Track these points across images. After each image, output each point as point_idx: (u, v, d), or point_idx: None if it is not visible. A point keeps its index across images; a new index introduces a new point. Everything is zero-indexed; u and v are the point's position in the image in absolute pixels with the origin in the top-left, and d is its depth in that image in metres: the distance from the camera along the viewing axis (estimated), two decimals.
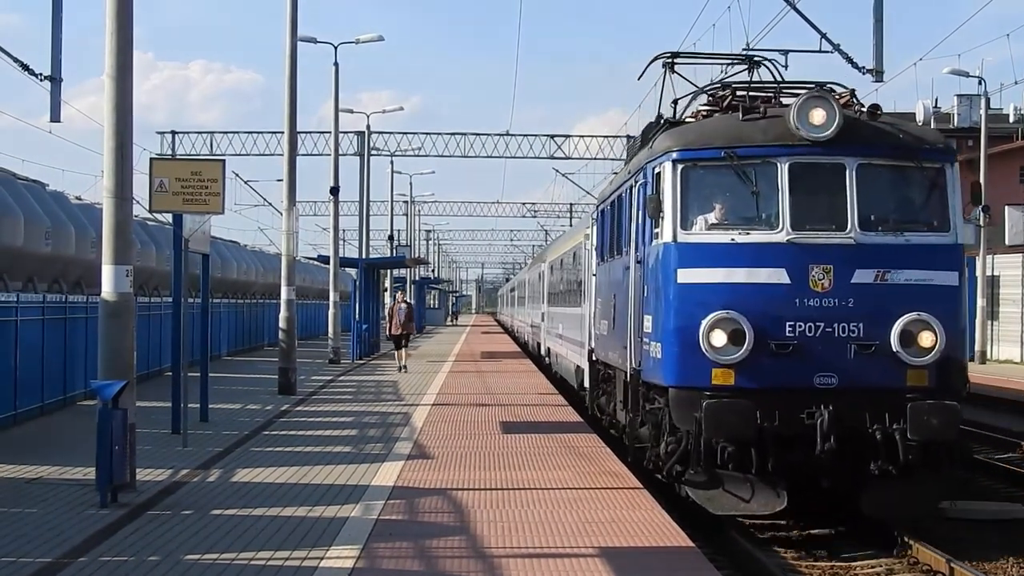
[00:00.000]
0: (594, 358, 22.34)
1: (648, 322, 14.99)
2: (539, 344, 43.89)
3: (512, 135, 63.73)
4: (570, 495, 14.11)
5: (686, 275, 14.16)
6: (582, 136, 64.62)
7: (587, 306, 24.19)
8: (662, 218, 14.47)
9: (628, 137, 61.56)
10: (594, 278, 22.42)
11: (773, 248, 13.95)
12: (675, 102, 16.72)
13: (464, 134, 64.36)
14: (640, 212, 15.58)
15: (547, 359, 39.69)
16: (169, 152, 60.07)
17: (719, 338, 13.67)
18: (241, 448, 18.29)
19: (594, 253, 22.89)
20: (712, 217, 14.32)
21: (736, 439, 13.42)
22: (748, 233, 14.09)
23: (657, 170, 14.86)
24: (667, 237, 14.37)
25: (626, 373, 16.87)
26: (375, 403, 26.18)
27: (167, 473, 15.53)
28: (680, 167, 14.44)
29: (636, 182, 16.13)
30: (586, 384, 24.61)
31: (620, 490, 14.53)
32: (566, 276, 32.62)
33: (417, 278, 79.79)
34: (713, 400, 13.51)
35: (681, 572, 10.54)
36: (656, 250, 14.72)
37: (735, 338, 13.65)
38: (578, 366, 27.00)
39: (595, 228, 22.98)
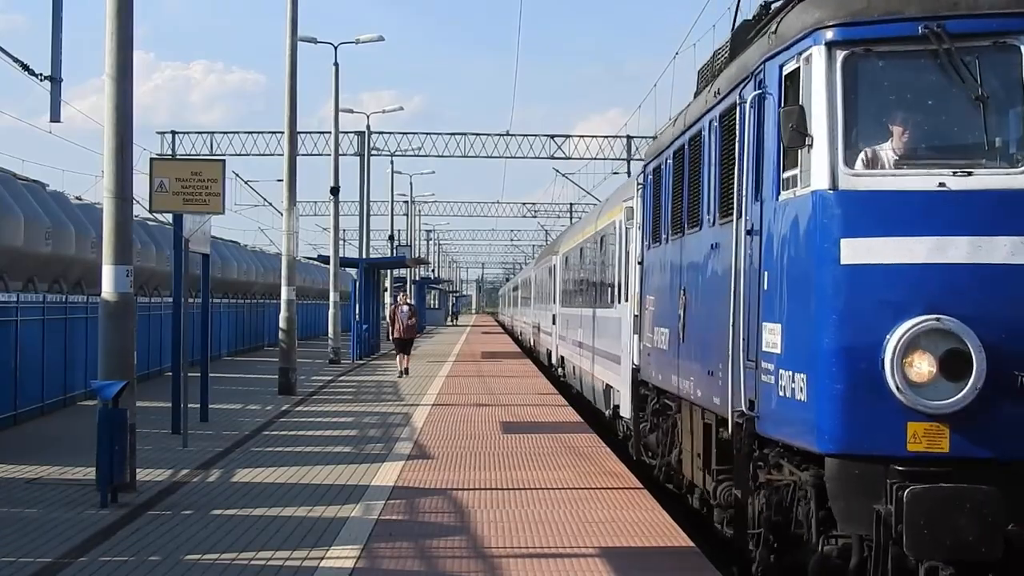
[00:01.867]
0: (641, 378, 16.67)
1: (774, 335, 9.17)
2: (549, 352, 39.03)
3: (512, 135, 63.71)
4: (570, 495, 14.10)
5: (857, 250, 8.38)
6: (582, 136, 64.56)
7: (625, 307, 18.94)
8: (807, 148, 8.60)
9: (628, 137, 61.65)
10: (639, 268, 16.69)
11: (1019, 200, 8.23)
12: None
13: (464, 134, 64.34)
14: (751, 148, 9.86)
15: (558, 370, 34.99)
16: (169, 152, 60.06)
17: (922, 365, 8.10)
18: (241, 448, 18.28)
19: (639, 233, 17.09)
20: (896, 146, 8.54)
21: (963, 556, 7.87)
22: (969, 173, 8.28)
23: (792, 66, 9.07)
24: (818, 181, 8.53)
25: (705, 412, 11.52)
26: (375, 403, 26.17)
27: (167, 473, 15.53)
28: (841, 55, 8.58)
29: (741, 100, 10.07)
30: (623, 411, 19.09)
31: (620, 490, 14.52)
32: (590, 268, 26.51)
33: (417, 278, 79.80)
34: (918, 485, 7.91)
35: (681, 572, 10.52)
36: (793, 207, 8.90)
37: (952, 366, 8.08)
38: (608, 385, 21.75)
39: (641, 198, 16.81)
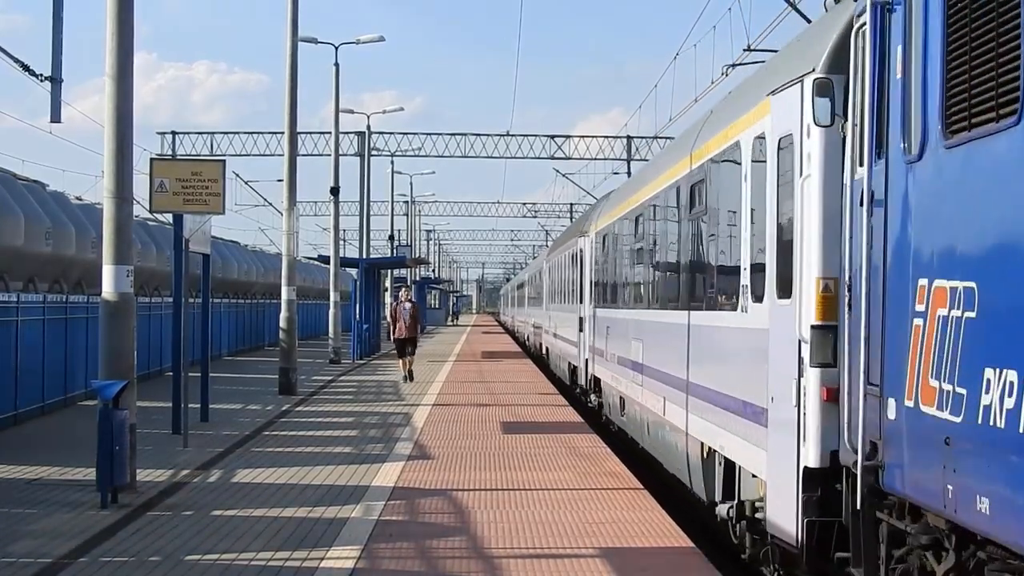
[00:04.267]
0: (898, 492, 7.52)
1: None
2: (573, 367, 30.47)
3: (512, 135, 63.67)
4: (570, 496, 14.09)
5: None
6: (582, 136, 64.54)
7: (783, 309, 10.00)
8: None
9: (628, 138, 61.63)
10: (876, 215, 7.92)
11: None
12: None
13: (464, 134, 64.31)
14: None
15: (588, 396, 26.70)
16: (169, 152, 60.05)
17: None
18: (241, 448, 18.28)
19: (861, 139, 8.27)
20: None
21: None
22: None
23: None
24: None
25: None
26: (376, 403, 26.18)
27: (167, 473, 15.53)
28: None
29: None
30: (782, 531, 9.98)
31: (620, 490, 14.52)
32: (664, 243, 16.45)
33: (418, 278, 79.80)
34: None
35: (681, 572, 10.52)
36: None
37: None
38: (725, 457, 12.25)
39: (907, 43, 7.42)
